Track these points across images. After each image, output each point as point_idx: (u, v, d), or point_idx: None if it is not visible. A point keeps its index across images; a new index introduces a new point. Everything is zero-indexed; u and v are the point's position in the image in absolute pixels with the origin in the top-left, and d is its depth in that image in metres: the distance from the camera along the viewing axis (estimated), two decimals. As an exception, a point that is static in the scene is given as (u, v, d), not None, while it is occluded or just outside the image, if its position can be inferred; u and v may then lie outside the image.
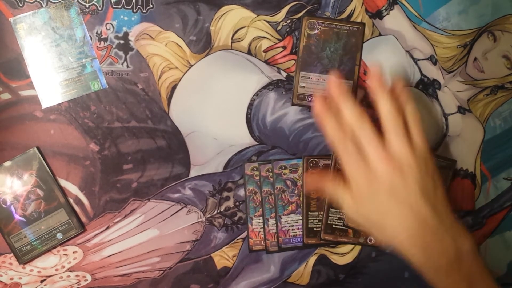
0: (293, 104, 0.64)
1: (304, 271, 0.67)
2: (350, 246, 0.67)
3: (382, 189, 0.53)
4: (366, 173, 0.54)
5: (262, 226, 0.65)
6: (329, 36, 0.63)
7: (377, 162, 0.53)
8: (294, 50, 0.64)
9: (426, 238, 0.53)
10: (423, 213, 0.52)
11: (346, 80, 0.64)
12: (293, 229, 0.65)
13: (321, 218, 0.65)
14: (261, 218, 0.65)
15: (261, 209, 0.65)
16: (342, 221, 0.65)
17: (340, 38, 0.63)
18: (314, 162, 0.65)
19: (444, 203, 0.54)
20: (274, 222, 0.65)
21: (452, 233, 0.53)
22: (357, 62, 0.64)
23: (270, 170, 0.64)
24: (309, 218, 0.65)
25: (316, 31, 0.62)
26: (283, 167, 0.64)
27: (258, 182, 0.65)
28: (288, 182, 0.65)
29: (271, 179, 0.65)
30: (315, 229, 0.65)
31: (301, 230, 0.65)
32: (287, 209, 0.65)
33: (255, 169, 0.64)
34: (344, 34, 0.63)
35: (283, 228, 0.65)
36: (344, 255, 0.67)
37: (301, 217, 0.65)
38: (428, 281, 0.54)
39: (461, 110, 0.67)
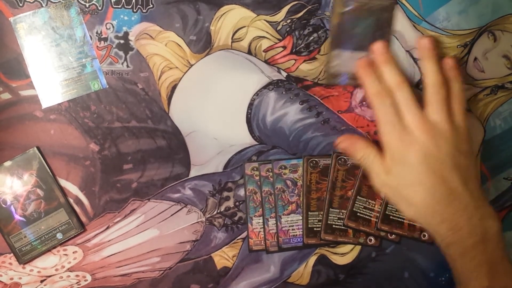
0: (327, 85, 0.64)
1: (304, 271, 0.67)
2: (350, 246, 0.67)
3: (415, 154, 0.52)
4: (401, 136, 0.53)
5: (262, 226, 0.65)
6: (360, 12, 0.62)
7: (413, 126, 0.52)
8: (294, 50, 0.64)
9: (455, 215, 0.52)
10: (455, 187, 0.52)
11: None
12: (293, 229, 0.65)
13: (321, 218, 0.65)
14: (261, 218, 0.65)
15: (261, 209, 0.65)
16: (342, 221, 0.65)
17: (371, 14, 0.62)
18: (314, 162, 0.64)
19: (476, 182, 0.54)
20: (274, 222, 0.65)
21: (482, 213, 0.52)
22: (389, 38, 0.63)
23: (270, 170, 0.64)
24: (309, 218, 0.65)
25: (349, 8, 0.62)
26: (283, 167, 0.64)
27: (258, 182, 0.65)
28: (288, 182, 0.65)
29: (271, 179, 0.64)
30: (315, 229, 0.65)
31: (301, 230, 0.65)
32: (287, 209, 0.65)
33: (255, 169, 0.64)
34: (375, 10, 0.62)
35: (283, 228, 0.65)
36: (344, 255, 0.67)
37: (301, 217, 0.65)
38: (450, 261, 0.54)
39: (461, 110, 0.67)
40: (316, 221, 0.65)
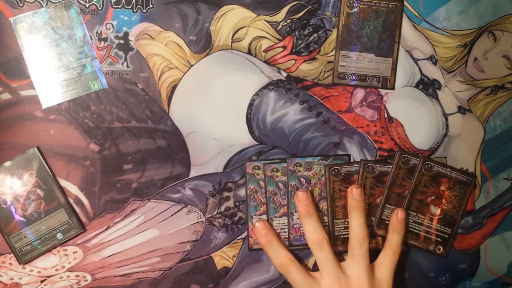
0: (334, 84, 0.64)
1: (304, 271, 0.67)
2: (350, 246, 0.67)
3: None
4: None
5: None
6: (368, 14, 0.63)
7: (326, 285, 0.57)
8: (294, 50, 0.64)
9: None
10: None
11: (385, 57, 0.64)
12: None
13: (347, 226, 0.64)
14: (263, 217, 0.65)
15: (261, 207, 0.65)
16: (371, 228, 0.65)
17: (379, 15, 0.62)
18: (336, 170, 0.64)
19: None
20: (279, 222, 0.65)
21: None
22: (397, 40, 0.64)
23: (275, 169, 0.64)
24: (335, 226, 0.65)
25: (355, 10, 0.62)
26: (297, 164, 0.64)
27: (260, 181, 0.64)
28: (302, 179, 0.64)
29: (276, 179, 0.64)
30: (342, 236, 0.65)
31: None
32: None
33: (257, 168, 0.64)
34: (383, 11, 0.63)
35: (295, 225, 0.65)
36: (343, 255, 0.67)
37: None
38: None
39: (461, 110, 0.67)
40: (342, 228, 0.65)
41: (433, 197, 0.65)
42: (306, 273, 0.60)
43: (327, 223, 0.65)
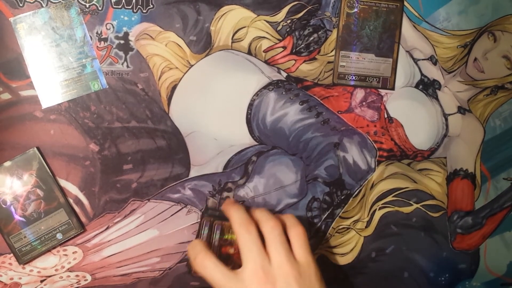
0: (334, 84, 0.64)
1: (304, 271, 0.67)
2: (350, 246, 0.67)
3: None
4: None
5: None
6: (368, 14, 0.63)
7: (250, 278, 0.50)
8: (294, 50, 0.64)
9: None
10: None
11: (385, 58, 0.64)
12: None
13: None
14: None
15: None
16: None
17: (379, 16, 0.63)
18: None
19: None
20: None
21: None
22: (397, 40, 0.64)
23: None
24: None
25: (356, 10, 0.62)
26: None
27: None
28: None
29: None
30: None
31: None
32: None
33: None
34: (383, 11, 0.63)
35: None
36: (344, 255, 0.67)
37: None
38: None
39: (461, 110, 0.67)
40: None
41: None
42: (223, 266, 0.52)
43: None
